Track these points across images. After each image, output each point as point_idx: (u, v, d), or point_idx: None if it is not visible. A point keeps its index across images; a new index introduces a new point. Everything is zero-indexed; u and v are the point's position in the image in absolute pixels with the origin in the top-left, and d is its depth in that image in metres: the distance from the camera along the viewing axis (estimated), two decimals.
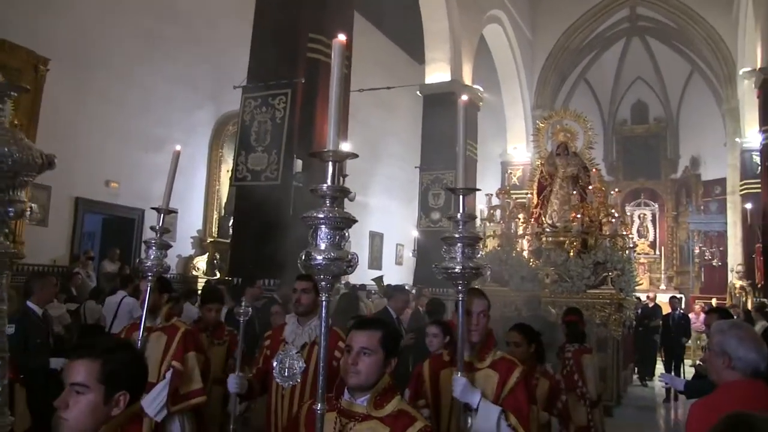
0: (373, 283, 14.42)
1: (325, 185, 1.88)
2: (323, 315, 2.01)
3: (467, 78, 15.01)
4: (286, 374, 3.38)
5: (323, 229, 1.88)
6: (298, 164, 8.26)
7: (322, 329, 2.02)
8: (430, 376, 3.19)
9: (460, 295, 2.77)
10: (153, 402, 3.77)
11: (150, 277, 3.65)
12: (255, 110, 8.53)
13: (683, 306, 19.20)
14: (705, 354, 3.20)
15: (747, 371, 2.53)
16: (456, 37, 14.54)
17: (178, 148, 3.80)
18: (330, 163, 1.90)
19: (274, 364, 3.43)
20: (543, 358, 4.60)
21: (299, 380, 3.45)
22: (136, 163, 11.54)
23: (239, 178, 8.55)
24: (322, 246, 1.88)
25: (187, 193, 12.69)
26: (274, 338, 3.97)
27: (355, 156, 2.04)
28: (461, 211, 2.71)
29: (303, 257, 1.90)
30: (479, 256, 2.55)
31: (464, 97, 2.98)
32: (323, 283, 1.94)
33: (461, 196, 2.73)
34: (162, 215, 3.60)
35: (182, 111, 12.57)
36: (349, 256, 1.92)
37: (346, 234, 1.94)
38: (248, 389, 3.74)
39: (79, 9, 10.74)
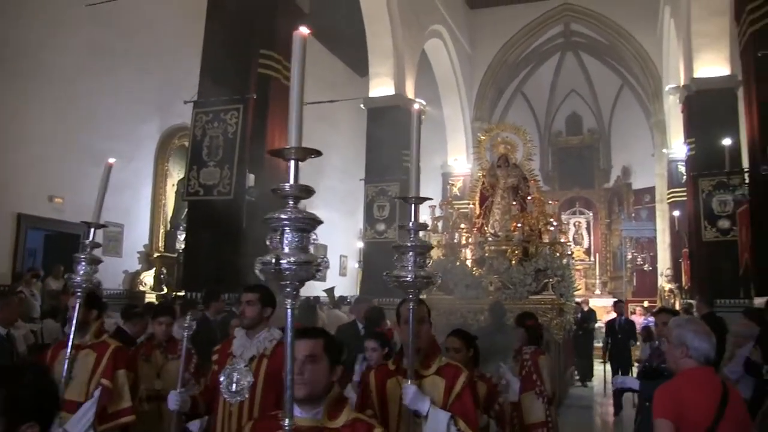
0: (324, 294, 14.59)
1: (288, 184, 1.78)
2: (288, 324, 1.85)
3: (410, 92, 15.39)
4: (233, 389, 3.34)
5: (288, 232, 1.75)
6: (251, 179, 8.40)
7: (288, 340, 1.87)
8: (376, 386, 3.17)
9: (411, 304, 2.76)
10: (79, 422, 3.64)
11: (79, 293, 3.61)
12: (206, 125, 8.61)
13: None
14: (663, 346, 3.75)
15: (701, 359, 2.95)
16: (399, 52, 14.92)
17: (111, 161, 3.81)
18: (293, 162, 1.80)
19: (221, 378, 3.40)
20: (478, 362, 4.58)
21: (247, 395, 3.36)
22: (81, 178, 11.36)
23: (191, 192, 8.58)
24: (287, 249, 1.74)
25: (133, 208, 12.59)
26: (222, 353, 3.75)
27: (318, 153, 1.89)
28: (413, 219, 2.69)
29: (265, 263, 1.74)
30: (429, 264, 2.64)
31: (416, 106, 3.04)
32: (289, 289, 1.79)
33: (413, 205, 2.73)
34: (93, 230, 3.61)
35: (128, 124, 12.44)
36: (318, 260, 1.79)
37: (313, 236, 1.81)
38: (192, 406, 3.60)
39: (21, 18, 10.55)
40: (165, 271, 12.99)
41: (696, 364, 2.97)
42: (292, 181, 1.79)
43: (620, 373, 11.73)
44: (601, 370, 12.44)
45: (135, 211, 12.72)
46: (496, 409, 4.64)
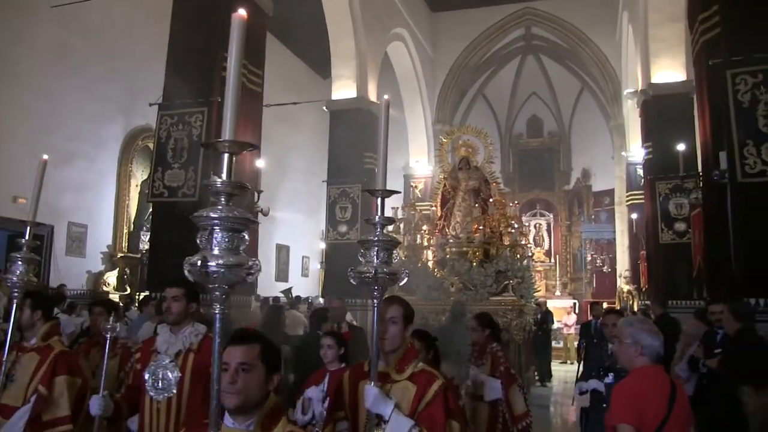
0: (282, 295, 14.58)
1: (220, 180, 1.66)
2: (216, 330, 1.73)
3: (372, 94, 15.41)
4: (159, 386, 3.24)
5: (218, 232, 1.64)
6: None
7: (216, 347, 1.75)
8: (349, 387, 3.04)
9: (375, 301, 2.62)
10: (11, 429, 3.52)
11: (16, 293, 3.52)
12: (171, 127, 8.56)
13: (577, 311, 20.35)
14: (614, 346, 3.83)
15: (653, 357, 3.10)
16: (361, 55, 14.94)
17: (45, 157, 3.78)
18: (226, 155, 1.69)
19: (146, 376, 3.29)
20: (439, 363, 4.44)
21: (174, 391, 3.27)
22: (45, 178, 11.23)
23: (156, 194, 8.55)
24: (217, 251, 1.63)
25: (96, 208, 12.53)
26: (144, 351, 3.66)
27: (253, 147, 1.82)
28: (379, 213, 2.58)
29: (192, 264, 1.65)
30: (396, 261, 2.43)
31: (386, 96, 2.84)
32: (217, 293, 1.68)
33: (380, 198, 2.60)
34: (29, 228, 3.56)
35: (92, 124, 12.37)
36: (250, 263, 1.68)
37: (245, 237, 1.70)
38: (116, 410, 3.48)
39: None
40: (128, 271, 12.95)
41: (649, 362, 3.10)
42: (225, 177, 1.67)
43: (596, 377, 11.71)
44: (559, 370, 12.59)
45: (98, 211, 12.67)
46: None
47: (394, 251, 2.55)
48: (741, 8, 7.01)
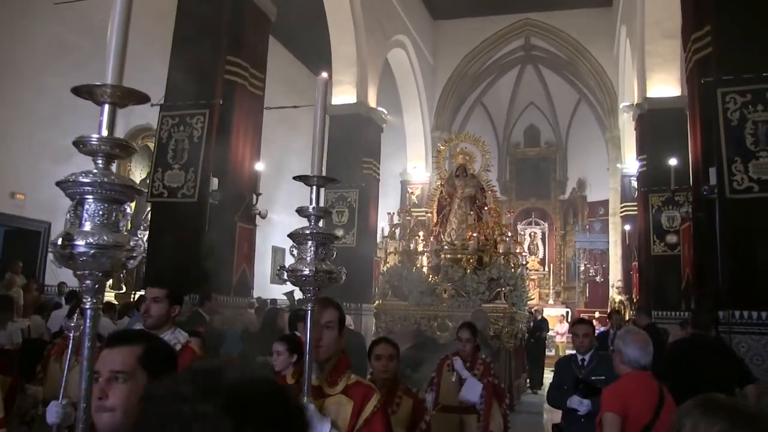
0: (284, 297, 14.71)
1: (96, 136, 1.35)
2: (87, 330, 1.33)
3: (372, 100, 15.58)
4: None
5: (90, 202, 1.29)
6: (215, 182, 8.50)
7: (85, 352, 1.35)
8: None
9: (310, 304, 2.31)
10: None
11: None
12: (172, 128, 8.71)
13: (569, 320, 20.47)
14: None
15: (632, 365, 3.36)
16: (362, 61, 15.09)
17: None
18: (106, 106, 1.39)
19: None
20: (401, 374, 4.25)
21: None
22: (44, 175, 11.31)
23: (155, 194, 8.69)
24: (88, 226, 1.27)
25: None
26: None
27: (143, 99, 1.41)
28: (315, 203, 2.32)
29: (53, 243, 1.28)
30: (334, 257, 2.32)
31: (324, 75, 2.57)
32: (89, 281, 1.30)
33: (315, 187, 2.37)
34: None
35: (92, 123, 12.31)
36: (131, 243, 1.31)
37: (127, 210, 1.36)
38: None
39: None
40: (124, 271, 12.96)
41: (630, 369, 3.36)
42: (104, 132, 1.35)
43: None
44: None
45: None
46: (423, 428, 4.11)
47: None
48: (732, 29, 7.20)
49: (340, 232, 14.09)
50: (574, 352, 5.18)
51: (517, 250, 12.82)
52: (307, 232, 2.26)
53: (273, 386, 0.96)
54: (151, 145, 13.32)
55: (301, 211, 2.24)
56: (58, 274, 11.43)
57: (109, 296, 12.17)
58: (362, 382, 2.66)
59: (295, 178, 2.23)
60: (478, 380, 5.42)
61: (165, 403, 0.89)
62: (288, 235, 2.34)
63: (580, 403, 4.43)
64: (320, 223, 2.34)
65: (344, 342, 2.74)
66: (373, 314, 12.24)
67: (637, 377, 3.33)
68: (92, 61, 12.21)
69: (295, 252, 2.29)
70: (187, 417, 0.85)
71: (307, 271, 2.23)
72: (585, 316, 18.05)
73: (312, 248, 2.26)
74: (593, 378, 4.51)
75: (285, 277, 2.28)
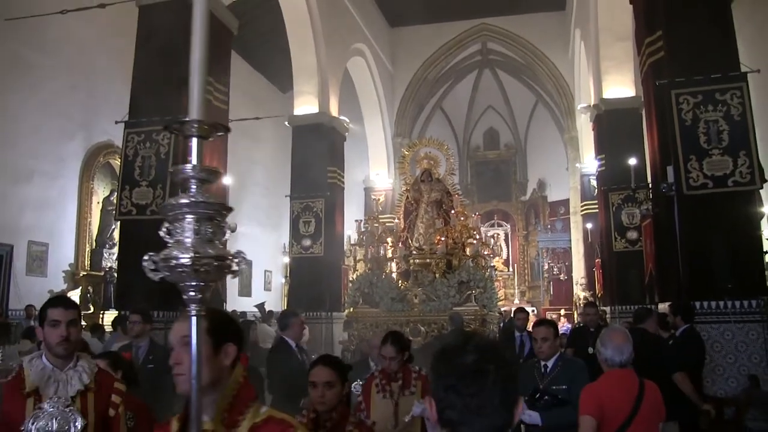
0: (255, 309, 14.74)
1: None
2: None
3: (334, 109, 15.68)
4: None
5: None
6: None
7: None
8: None
9: (193, 310, 1.49)
10: None
11: None
12: (138, 145, 8.69)
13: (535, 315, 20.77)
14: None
15: (608, 363, 3.46)
16: (323, 71, 15.19)
17: None
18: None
19: (32, 429, 2.51)
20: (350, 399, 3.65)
21: None
22: (3, 196, 11.20)
23: (123, 212, 8.65)
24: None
25: (57, 226, 12.38)
26: (13, 390, 2.67)
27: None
28: (194, 161, 1.49)
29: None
30: (226, 240, 1.39)
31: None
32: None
33: (195, 139, 1.50)
34: None
35: (51, 141, 12.24)
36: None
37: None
38: None
39: None
40: (92, 289, 12.82)
41: (607, 367, 3.47)
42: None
43: None
44: None
45: (59, 229, 12.51)
46: None
47: (227, 224, 1.56)
48: (682, 33, 7.52)
49: (307, 242, 14.17)
50: None
51: (485, 252, 13.00)
52: (185, 201, 1.46)
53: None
54: (114, 163, 13.23)
55: (177, 174, 1.51)
56: (21, 297, 11.23)
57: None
58: (275, 417, 1.89)
59: (167, 125, 1.54)
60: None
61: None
62: (160, 209, 1.58)
63: (528, 416, 3.97)
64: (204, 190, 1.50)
65: (240, 365, 1.94)
66: (344, 322, 12.31)
67: (614, 375, 3.43)
68: (49, 78, 12.13)
69: (168, 235, 1.51)
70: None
71: (185, 259, 1.43)
72: (552, 315, 18.43)
73: (192, 225, 1.47)
74: (554, 387, 4.10)
75: (151, 268, 1.47)
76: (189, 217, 1.49)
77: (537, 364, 4.37)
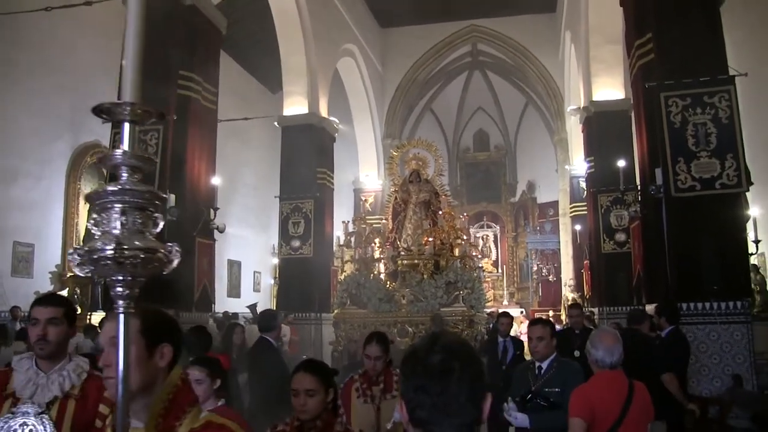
0: (247, 310, 14.72)
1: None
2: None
3: (323, 110, 15.64)
4: None
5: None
6: (172, 199, 8.45)
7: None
8: None
9: (121, 307, 1.36)
10: None
11: None
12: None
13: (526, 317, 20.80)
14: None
15: (599, 364, 3.45)
16: (312, 71, 15.15)
17: None
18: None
19: None
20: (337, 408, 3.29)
21: None
22: None
23: None
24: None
25: (44, 227, 12.25)
26: None
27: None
28: (125, 146, 1.36)
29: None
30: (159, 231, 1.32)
31: None
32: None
33: (127, 125, 1.37)
34: None
35: (37, 141, 12.09)
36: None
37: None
38: None
39: None
40: (79, 291, 12.68)
41: (598, 369, 3.47)
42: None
43: None
44: None
45: (46, 230, 12.36)
46: None
47: (160, 215, 1.43)
48: (672, 36, 7.56)
49: (296, 243, 14.15)
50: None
51: (473, 253, 13.01)
52: (112, 188, 1.34)
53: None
54: None
55: (105, 162, 1.40)
56: (6, 298, 11.11)
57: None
58: (215, 422, 1.75)
59: (95, 109, 1.35)
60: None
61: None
62: (85, 197, 1.29)
63: (514, 418, 3.95)
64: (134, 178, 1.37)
65: (178, 367, 1.82)
66: (332, 323, 12.29)
67: (604, 377, 3.44)
68: (34, 77, 12.01)
69: (95, 226, 1.37)
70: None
71: (108, 251, 1.29)
72: (541, 316, 18.43)
73: (119, 215, 1.34)
74: (547, 390, 4.06)
75: (77, 262, 1.32)
76: (116, 206, 1.34)
77: (531, 366, 4.33)
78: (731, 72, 7.52)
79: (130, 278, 1.33)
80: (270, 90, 21.02)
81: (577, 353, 6.13)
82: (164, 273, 1.42)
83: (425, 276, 11.50)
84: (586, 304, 15.71)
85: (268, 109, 18.12)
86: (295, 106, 15.06)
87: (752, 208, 9.10)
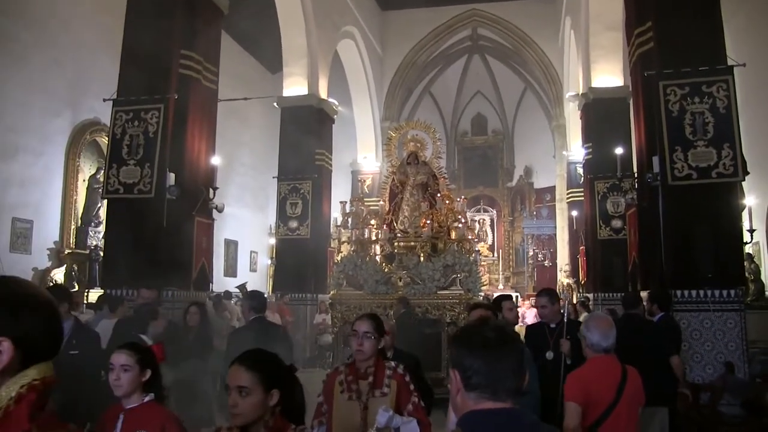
0: (237, 290, 14.79)
1: None
2: None
3: (323, 91, 15.65)
4: None
5: None
6: (171, 178, 8.48)
7: None
8: None
9: None
10: None
11: None
12: (126, 124, 8.61)
13: (518, 304, 20.96)
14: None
15: (594, 349, 3.54)
16: (313, 53, 15.14)
17: None
18: None
19: None
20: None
21: None
22: None
23: (111, 190, 8.58)
24: None
25: (42, 204, 12.24)
26: None
27: None
28: None
29: None
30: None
31: None
32: None
33: None
34: None
35: (37, 117, 12.06)
36: None
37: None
38: None
39: None
40: (76, 268, 12.70)
41: (593, 354, 3.55)
42: None
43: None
44: None
45: (44, 207, 12.35)
46: None
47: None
48: (672, 25, 7.60)
49: (294, 224, 14.21)
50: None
51: (470, 237, 13.05)
52: None
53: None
54: (100, 140, 13.11)
55: None
56: (5, 275, 11.13)
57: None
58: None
59: None
60: (394, 408, 3.26)
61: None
62: None
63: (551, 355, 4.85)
64: None
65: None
66: (328, 304, 12.36)
67: (598, 361, 3.51)
68: (34, 53, 11.98)
69: None
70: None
71: None
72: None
73: None
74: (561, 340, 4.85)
75: None
76: None
77: (544, 324, 5.24)
78: (730, 62, 7.57)
79: None
80: (269, 70, 20.97)
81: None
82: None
83: (422, 258, 11.54)
84: (581, 290, 15.85)
85: (267, 90, 18.12)
86: (294, 87, 15.06)
87: (748, 197, 9.18)
